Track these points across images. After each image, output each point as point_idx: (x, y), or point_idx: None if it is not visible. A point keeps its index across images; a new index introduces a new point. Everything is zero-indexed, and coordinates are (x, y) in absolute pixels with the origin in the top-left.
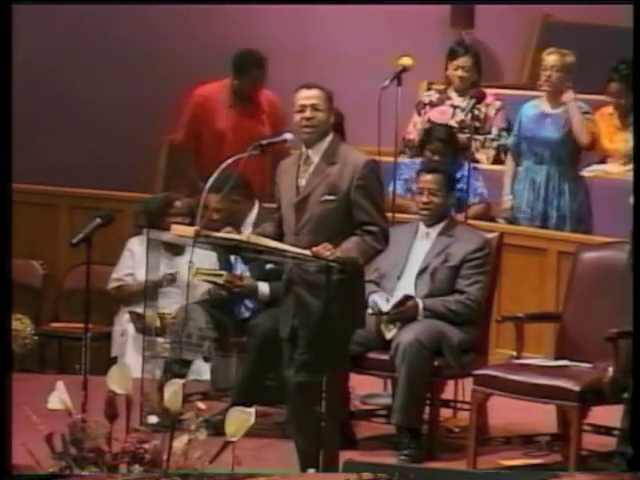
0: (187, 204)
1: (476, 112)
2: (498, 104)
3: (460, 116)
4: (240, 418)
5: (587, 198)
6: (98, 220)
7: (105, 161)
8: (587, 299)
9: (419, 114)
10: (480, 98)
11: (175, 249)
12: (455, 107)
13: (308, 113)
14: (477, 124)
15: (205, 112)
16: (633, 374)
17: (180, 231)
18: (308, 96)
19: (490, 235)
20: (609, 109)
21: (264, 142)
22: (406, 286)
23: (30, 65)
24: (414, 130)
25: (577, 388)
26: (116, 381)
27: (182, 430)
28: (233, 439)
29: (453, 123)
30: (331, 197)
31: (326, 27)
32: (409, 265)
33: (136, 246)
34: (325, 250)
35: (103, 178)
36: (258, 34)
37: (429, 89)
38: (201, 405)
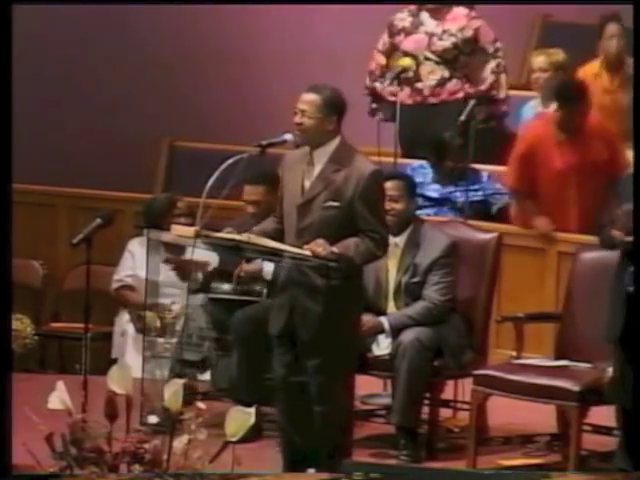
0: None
1: (453, 39)
2: (476, 23)
3: (438, 44)
4: (240, 418)
5: None
6: (98, 220)
7: (105, 161)
8: (587, 299)
9: (390, 36)
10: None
11: (176, 250)
12: (431, 35)
13: (297, 118)
14: (455, 52)
15: (539, 153)
16: (633, 374)
17: (180, 231)
18: (302, 100)
19: (489, 235)
20: (595, 66)
21: (264, 142)
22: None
23: (31, 65)
24: (378, 58)
25: (577, 388)
26: (116, 381)
27: (182, 430)
28: (233, 439)
29: (429, 53)
30: (335, 203)
31: (326, 27)
32: (390, 283)
33: (136, 247)
34: (317, 247)
35: (103, 178)
36: (258, 33)
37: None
38: (201, 405)
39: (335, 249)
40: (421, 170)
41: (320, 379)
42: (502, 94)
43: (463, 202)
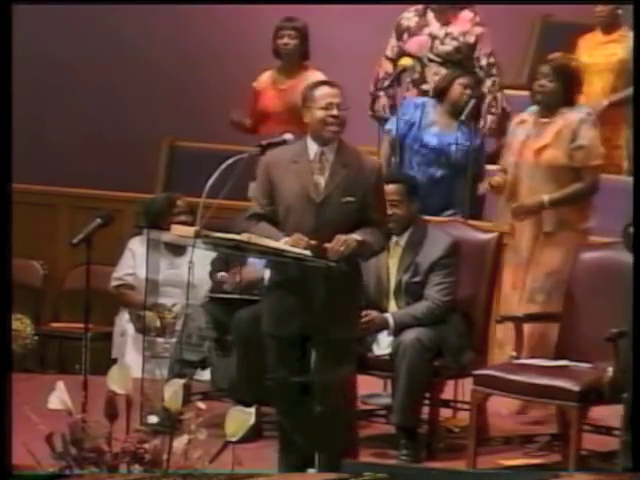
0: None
1: (455, 43)
2: (478, 30)
3: (440, 48)
4: (240, 418)
5: None
6: (98, 220)
7: (105, 161)
8: (587, 299)
9: (398, 38)
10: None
11: (176, 249)
12: (434, 37)
13: (336, 111)
14: (459, 56)
15: None
16: (633, 374)
17: (180, 231)
18: (334, 94)
19: (489, 235)
20: (593, 32)
21: (264, 142)
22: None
23: (32, 64)
24: (386, 65)
25: (577, 388)
26: (116, 381)
27: (182, 430)
28: (233, 439)
29: (432, 56)
30: (351, 198)
31: (326, 27)
32: (390, 282)
33: (137, 246)
34: (339, 245)
35: (103, 178)
36: (258, 33)
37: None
38: (201, 405)
39: (357, 236)
40: (424, 108)
41: (333, 378)
42: (498, 109)
43: (456, 157)
